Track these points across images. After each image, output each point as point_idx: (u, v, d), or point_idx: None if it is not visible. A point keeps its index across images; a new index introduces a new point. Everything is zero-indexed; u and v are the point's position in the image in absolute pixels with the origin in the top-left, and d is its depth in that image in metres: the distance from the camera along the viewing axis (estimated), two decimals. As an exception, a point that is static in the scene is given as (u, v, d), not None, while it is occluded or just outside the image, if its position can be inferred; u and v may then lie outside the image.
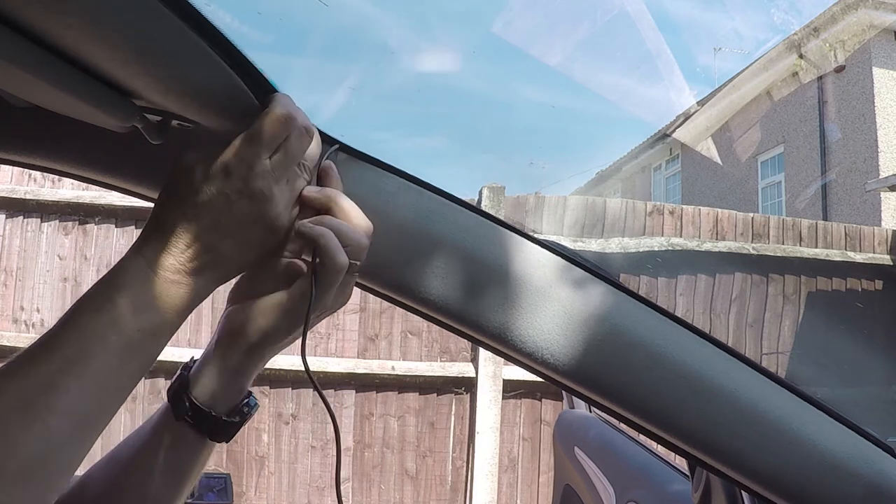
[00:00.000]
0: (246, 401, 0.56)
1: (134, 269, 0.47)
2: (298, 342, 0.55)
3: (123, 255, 0.48)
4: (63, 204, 3.37)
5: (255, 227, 0.49)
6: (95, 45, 0.43)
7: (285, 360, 3.34)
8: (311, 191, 0.53)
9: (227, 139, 0.50)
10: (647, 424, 0.59)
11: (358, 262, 0.52)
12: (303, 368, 0.56)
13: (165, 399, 0.55)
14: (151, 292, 0.46)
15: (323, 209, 0.52)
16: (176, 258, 0.47)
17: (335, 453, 0.55)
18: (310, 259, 0.52)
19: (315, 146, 0.53)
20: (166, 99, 0.52)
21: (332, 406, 0.66)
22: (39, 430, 0.40)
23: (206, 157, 0.49)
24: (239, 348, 0.54)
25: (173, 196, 0.49)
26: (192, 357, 0.56)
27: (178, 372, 0.55)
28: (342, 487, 0.60)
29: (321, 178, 0.54)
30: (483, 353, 3.41)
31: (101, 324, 0.45)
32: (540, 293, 0.57)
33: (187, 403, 0.53)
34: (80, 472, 0.53)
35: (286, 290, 0.52)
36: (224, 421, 0.54)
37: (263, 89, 0.53)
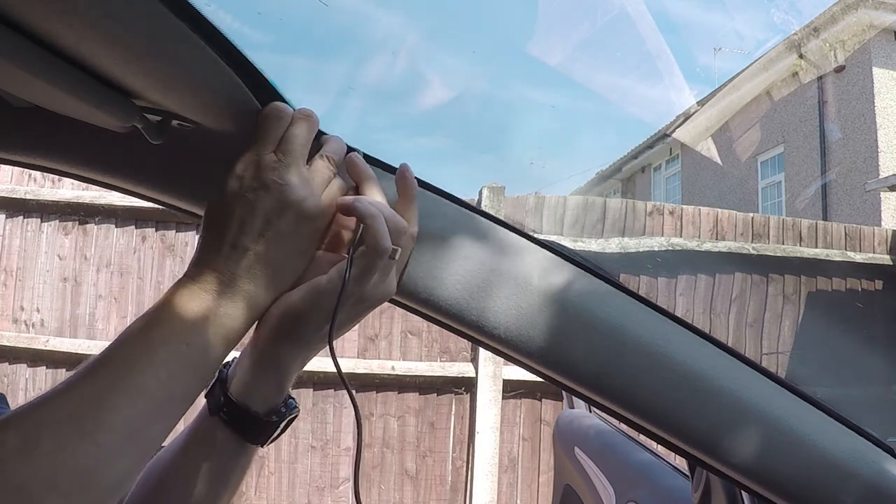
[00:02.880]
0: (285, 402, 0.56)
1: (182, 288, 0.48)
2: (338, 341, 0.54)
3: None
4: (63, 204, 3.37)
5: (282, 218, 0.49)
6: (96, 45, 0.43)
7: (285, 360, 3.33)
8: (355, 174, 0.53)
9: (226, 139, 0.50)
10: (646, 424, 0.59)
11: (399, 249, 0.51)
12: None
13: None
14: (199, 307, 0.47)
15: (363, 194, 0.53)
16: (219, 271, 0.48)
17: (355, 453, 0.55)
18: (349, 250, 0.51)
19: (336, 141, 0.54)
20: (166, 98, 0.52)
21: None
22: (88, 446, 0.40)
23: (223, 176, 0.51)
24: (273, 338, 0.52)
25: (209, 221, 0.51)
26: (234, 357, 0.56)
27: (218, 370, 0.54)
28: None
29: (349, 169, 0.54)
30: (483, 353, 3.41)
31: (150, 340, 0.45)
32: (540, 293, 0.57)
33: (222, 399, 0.53)
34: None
35: (324, 275, 0.51)
36: (261, 420, 0.54)
37: (263, 89, 0.53)
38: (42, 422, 0.40)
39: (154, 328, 0.46)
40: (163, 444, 0.53)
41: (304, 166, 0.51)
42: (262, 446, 0.55)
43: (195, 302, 0.47)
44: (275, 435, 0.55)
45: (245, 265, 0.48)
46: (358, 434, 0.54)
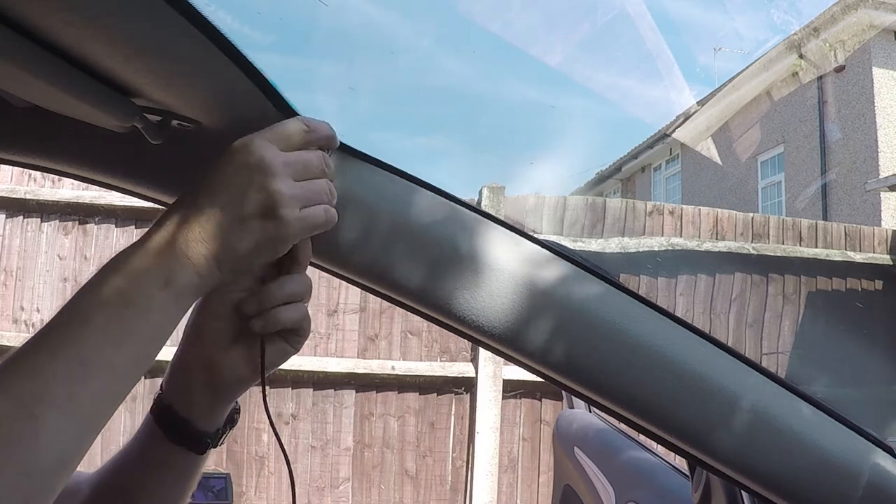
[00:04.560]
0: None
1: (127, 251, 0.46)
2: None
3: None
4: (63, 204, 3.37)
5: (249, 193, 0.47)
6: (96, 43, 0.43)
7: (285, 360, 3.34)
8: None
9: (226, 139, 0.50)
10: (647, 424, 0.59)
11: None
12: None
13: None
14: (141, 268, 0.45)
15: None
16: (168, 231, 0.46)
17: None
18: None
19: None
20: (167, 96, 0.52)
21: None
22: (24, 419, 0.38)
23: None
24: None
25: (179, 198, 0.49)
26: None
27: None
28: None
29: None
30: (483, 353, 3.41)
31: (88, 304, 0.43)
32: (540, 293, 0.57)
33: (167, 422, 0.55)
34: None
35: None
36: (211, 434, 0.55)
37: (263, 89, 0.53)
38: None
39: (93, 292, 0.44)
40: (122, 440, 0.54)
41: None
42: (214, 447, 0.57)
43: (137, 263, 0.45)
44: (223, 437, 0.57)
45: (197, 230, 0.46)
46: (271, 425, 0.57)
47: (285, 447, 0.60)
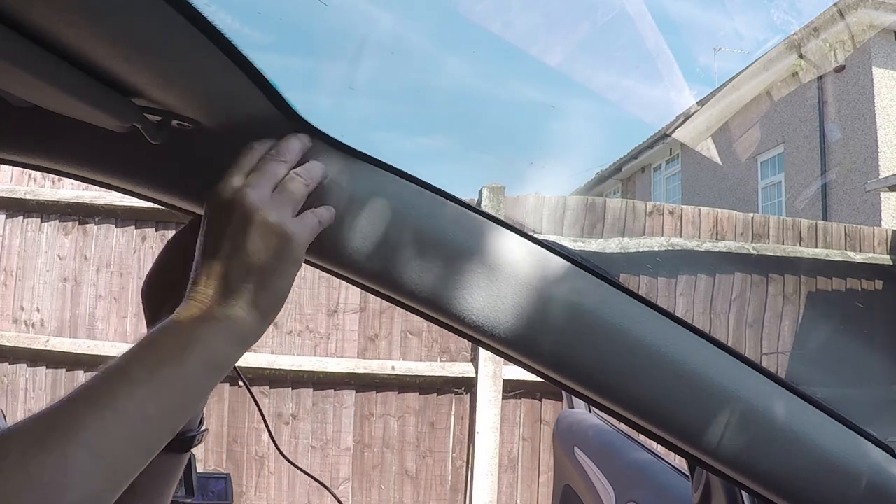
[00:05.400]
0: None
1: (167, 322, 0.48)
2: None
3: None
4: (63, 204, 3.37)
5: (253, 241, 0.50)
6: (96, 43, 0.43)
7: (285, 360, 3.34)
8: None
9: (226, 139, 0.50)
10: (647, 424, 0.59)
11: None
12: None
13: None
14: (178, 335, 0.47)
15: None
16: (197, 300, 0.49)
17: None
18: None
19: (316, 168, 0.55)
20: (167, 96, 0.52)
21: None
22: (55, 459, 0.39)
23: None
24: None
25: (198, 252, 0.52)
26: None
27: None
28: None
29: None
30: (483, 353, 3.41)
31: (128, 363, 0.46)
32: (540, 293, 0.57)
33: None
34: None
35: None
36: (185, 438, 0.60)
37: (263, 89, 0.53)
38: (13, 436, 0.40)
39: (133, 354, 0.46)
40: None
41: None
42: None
43: (175, 330, 0.48)
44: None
45: (229, 296, 0.49)
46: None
47: (285, 447, 0.61)
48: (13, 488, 0.38)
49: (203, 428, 0.63)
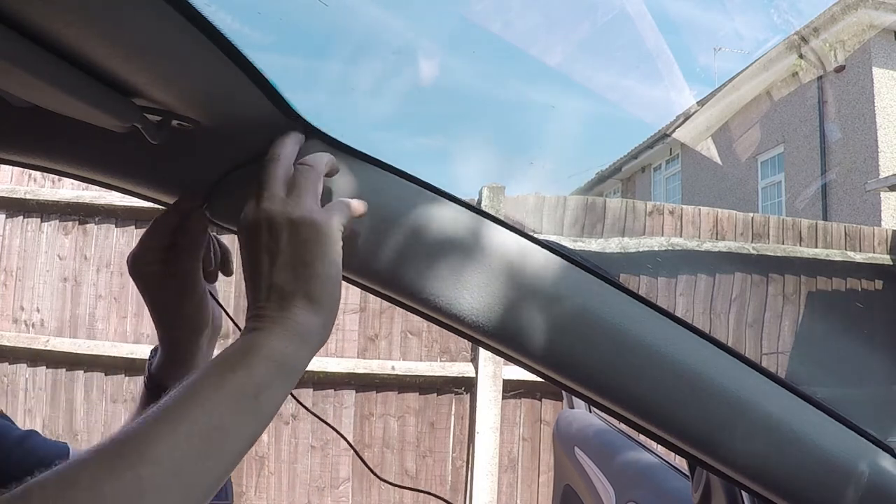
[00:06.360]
0: None
1: (240, 336, 0.50)
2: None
3: None
4: (63, 204, 3.37)
5: (299, 245, 0.52)
6: (96, 43, 0.43)
7: (285, 360, 3.33)
8: None
9: (226, 139, 0.50)
10: (647, 424, 0.59)
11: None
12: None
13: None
14: (246, 345, 0.48)
15: None
16: (262, 311, 0.50)
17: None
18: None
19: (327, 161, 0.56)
20: (167, 95, 0.52)
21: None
22: (129, 479, 0.38)
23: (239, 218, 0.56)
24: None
25: (245, 268, 0.54)
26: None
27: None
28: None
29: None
30: (483, 353, 3.41)
31: (198, 376, 0.46)
32: (539, 293, 0.57)
33: (146, 374, 0.66)
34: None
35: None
36: None
37: (263, 89, 0.53)
38: (83, 460, 0.39)
39: (202, 369, 0.46)
40: None
41: (312, 196, 0.53)
42: None
43: (243, 341, 0.48)
44: None
45: (282, 300, 0.50)
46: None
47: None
48: None
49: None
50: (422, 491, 0.78)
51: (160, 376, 0.66)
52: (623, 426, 1.47)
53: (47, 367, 3.33)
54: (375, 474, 0.78)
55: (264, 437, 3.31)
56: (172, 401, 0.43)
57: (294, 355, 0.49)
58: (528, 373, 0.61)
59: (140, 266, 0.63)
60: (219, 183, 0.59)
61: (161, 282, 0.63)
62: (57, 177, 3.22)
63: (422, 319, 0.61)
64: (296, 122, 0.57)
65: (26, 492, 0.36)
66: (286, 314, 0.50)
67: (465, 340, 1.47)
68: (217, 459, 0.43)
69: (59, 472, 0.38)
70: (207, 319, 0.66)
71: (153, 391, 0.64)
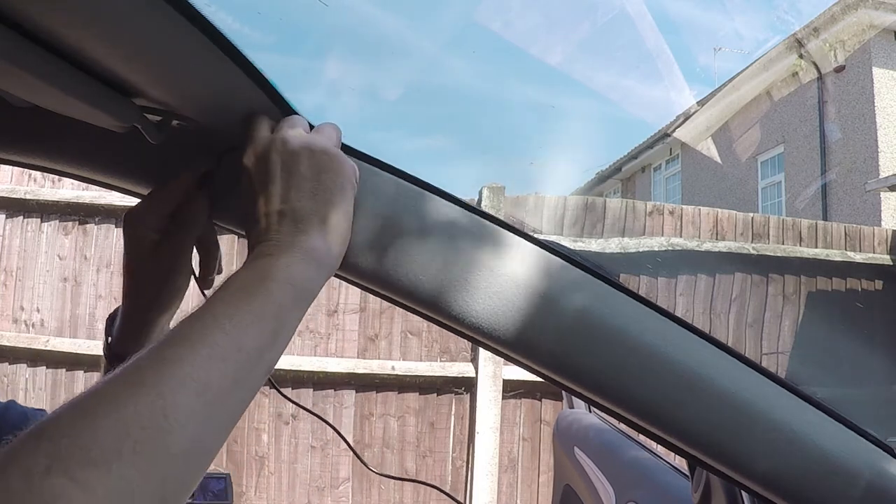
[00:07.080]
0: None
1: (245, 263, 0.49)
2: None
3: None
4: (63, 204, 3.37)
5: (303, 169, 0.52)
6: (96, 43, 0.43)
7: (285, 360, 3.34)
8: None
9: (226, 139, 0.50)
10: (647, 424, 0.59)
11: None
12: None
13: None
14: (259, 268, 0.48)
15: None
16: (268, 237, 0.50)
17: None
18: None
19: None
20: (167, 95, 0.52)
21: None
22: (152, 399, 0.36)
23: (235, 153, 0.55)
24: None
25: (244, 197, 0.54)
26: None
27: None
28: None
29: None
30: (483, 353, 3.41)
31: (212, 300, 0.45)
32: (539, 293, 0.57)
33: (105, 342, 0.64)
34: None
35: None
36: None
37: (263, 89, 0.53)
38: (97, 389, 0.37)
39: (214, 295, 0.46)
40: None
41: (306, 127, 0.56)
42: None
43: (254, 266, 0.48)
44: None
45: (297, 223, 0.50)
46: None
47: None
48: (110, 439, 0.34)
49: None
50: (418, 481, 0.78)
51: (119, 350, 0.63)
52: (623, 426, 1.47)
53: (47, 367, 3.33)
54: (370, 468, 0.78)
55: (264, 437, 3.31)
56: (191, 324, 0.42)
57: (312, 279, 0.49)
58: (528, 373, 0.61)
59: (137, 226, 0.59)
60: (219, 183, 0.59)
61: (152, 251, 0.59)
62: (57, 177, 3.22)
63: (422, 319, 0.61)
64: (296, 122, 0.57)
65: (40, 428, 0.34)
66: (301, 238, 0.50)
67: (465, 340, 1.47)
68: (240, 381, 0.42)
69: (74, 404, 0.36)
70: (177, 305, 0.63)
71: (112, 361, 0.62)
